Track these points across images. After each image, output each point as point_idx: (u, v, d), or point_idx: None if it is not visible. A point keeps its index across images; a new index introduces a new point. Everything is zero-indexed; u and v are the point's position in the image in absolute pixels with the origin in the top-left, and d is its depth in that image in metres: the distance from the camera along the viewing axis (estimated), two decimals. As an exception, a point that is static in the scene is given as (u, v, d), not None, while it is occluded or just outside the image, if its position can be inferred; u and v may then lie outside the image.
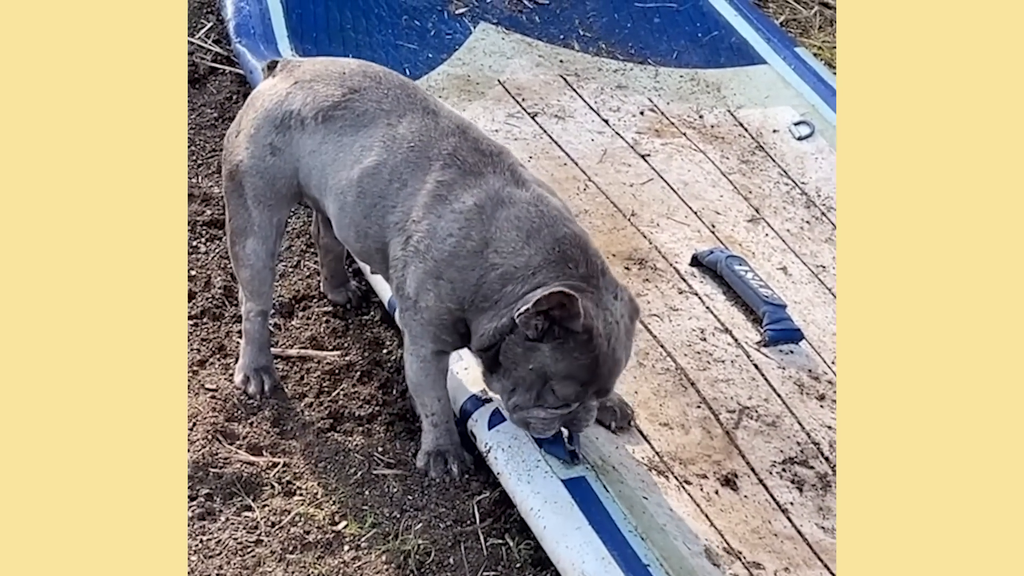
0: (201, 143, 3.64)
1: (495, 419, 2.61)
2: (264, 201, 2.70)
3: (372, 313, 3.10)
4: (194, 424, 2.72)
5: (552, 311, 2.30)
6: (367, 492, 2.62)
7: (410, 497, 2.60)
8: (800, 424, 2.84)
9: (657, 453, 2.69)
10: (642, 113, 3.90)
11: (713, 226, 3.44)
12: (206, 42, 4.03)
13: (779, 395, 2.91)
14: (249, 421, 2.78)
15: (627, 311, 2.42)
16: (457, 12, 4.27)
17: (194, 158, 3.58)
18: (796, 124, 3.85)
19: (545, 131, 3.77)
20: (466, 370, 2.74)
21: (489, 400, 2.67)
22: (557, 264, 2.37)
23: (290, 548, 2.50)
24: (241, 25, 3.82)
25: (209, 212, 3.37)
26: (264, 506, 2.58)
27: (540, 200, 2.45)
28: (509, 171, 2.49)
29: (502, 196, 2.44)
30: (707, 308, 3.14)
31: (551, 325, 2.32)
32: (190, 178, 3.49)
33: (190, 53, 3.97)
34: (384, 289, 2.93)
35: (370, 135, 2.57)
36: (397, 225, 2.50)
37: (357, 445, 2.73)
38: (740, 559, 2.47)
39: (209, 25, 4.10)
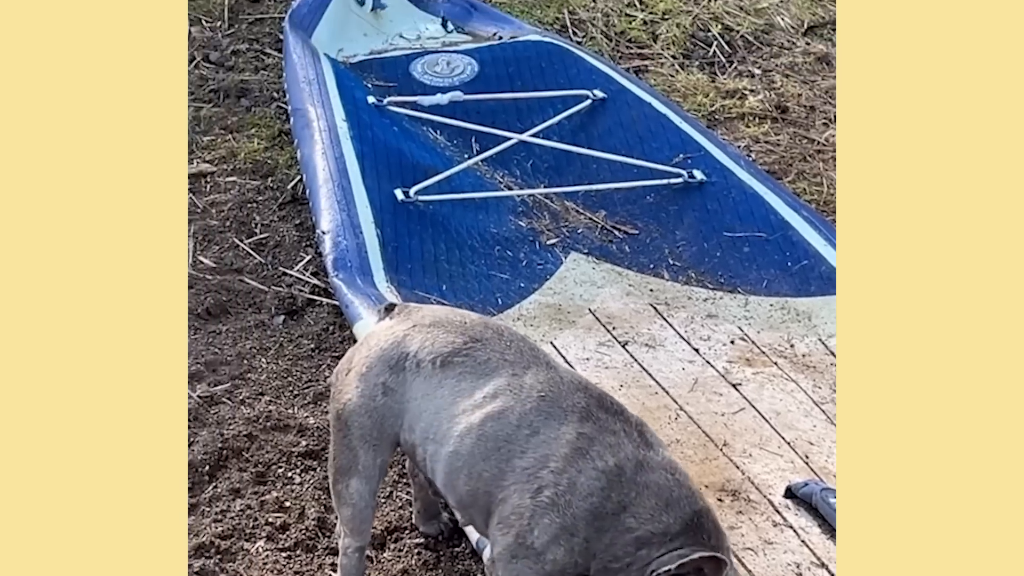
0: (298, 374, 3.71)
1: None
2: (370, 441, 2.73)
3: (463, 545, 3.09)
4: (285, 659, 2.71)
5: (690, 573, 2.38)
6: None
7: None
8: (901, 664, 2.76)
9: None
10: (732, 342, 3.92)
11: (807, 457, 3.41)
12: (304, 274, 4.14)
13: (879, 633, 2.84)
14: (340, 656, 2.76)
15: None
16: (549, 243, 4.35)
17: (291, 389, 3.64)
18: (888, 352, 3.84)
19: (636, 360, 3.79)
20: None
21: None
22: (695, 534, 2.44)
23: None
24: (339, 259, 3.93)
25: (304, 443, 3.41)
26: None
27: (673, 467, 2.53)
28: (637, 431, 2.57)
29: (639, 459, 2.51)
30: (802, 542, 3.09)
31: None
32: (286, 408, 3.55)
33: (288, 285, 4.08)
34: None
35: (493, 383, 2.63)
36: (527, 471, 2.53)
37: None
38: None
39: (308, 258, 4.22)
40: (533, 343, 2.77)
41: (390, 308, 2.89)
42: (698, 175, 4.56)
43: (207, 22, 5.54)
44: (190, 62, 5.25)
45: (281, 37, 5.33)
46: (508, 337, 2.73)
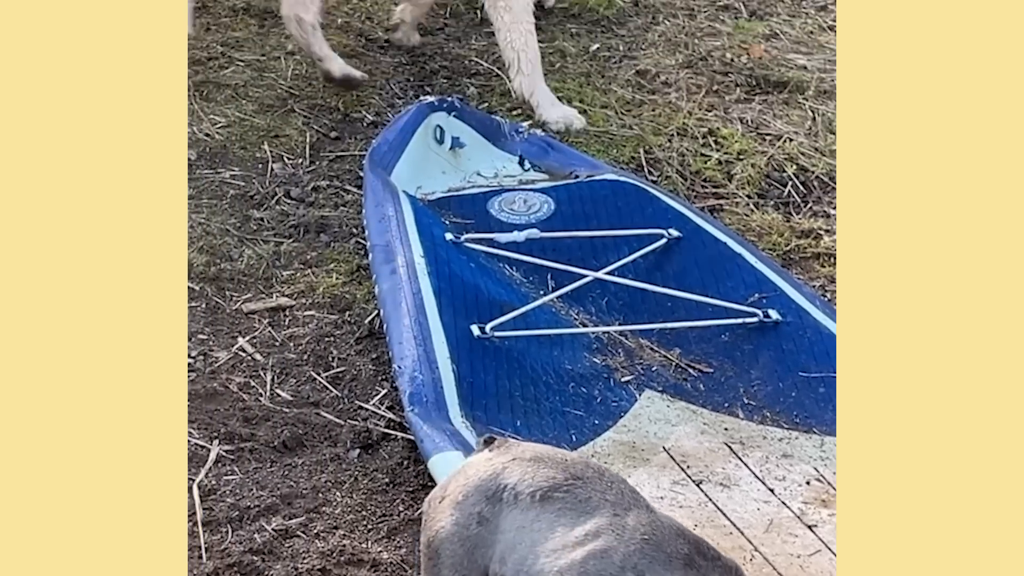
0: (372, 508, 3.72)
1: None
2: (460, 571, 2.74)
3: None
4: None
5: None
6: None
7: None
8: None
9: None
10: (808, 483, 3.88)
11: (884, 601, 3.36)
12: (380, 408, 4.18)
13: None
14: None
15: None
16: (623, 380, 4.36)
17: (365, 523, 3.66)
18: (967, 496, 3.78)
19: (710, 499, 3.77)
20: None
21: None
22: None
23: None
24: (414, 394, 3.95)
25: (377, 579, 3.42)
26: None
27: None
28: None
29: None
30: None
31: None
32: (360, 543, 3.56)
33: (364, 419, 4.12)
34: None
35: (595, 521, 2.65)
36: None
37: None
38: None
39: (383, 392, 4.25)
40: (632, 485, 2.78)
41: (489, 440, 2.92)
42: (773, 315, 4.56)
43: (289, 159, 5.67)
44: (271, 198, 5.36)
45: (361, 174, 5.44)
46: (608, 477, 2.75)
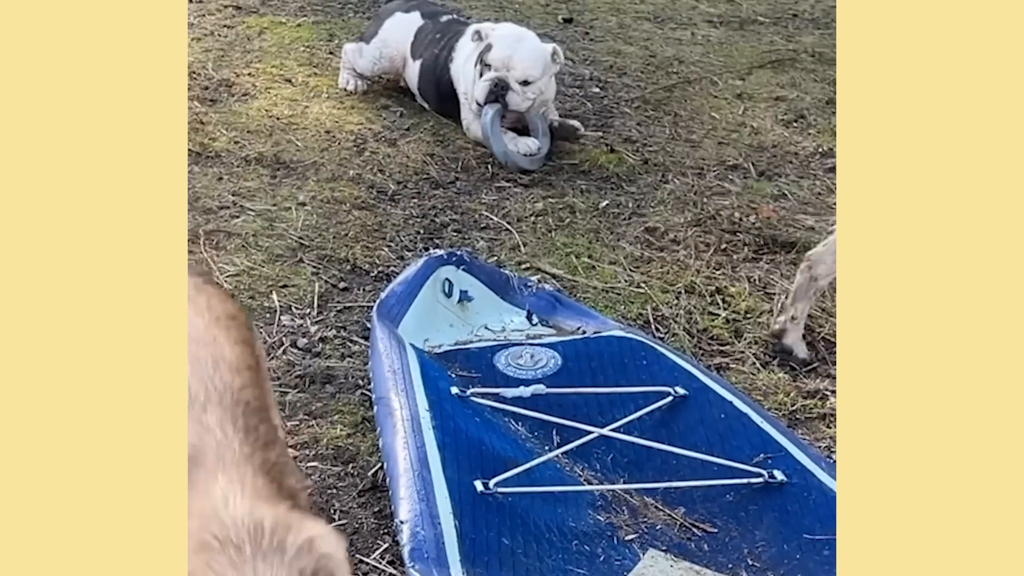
0: (369, 667, 3.67)
1: None
2: None
3: None
4: None
5: None
6: None
7: None
8: None
9: None
10: (813, 649, 3.83)
11: None
12: (381, 563, 4.13)
13: None
14: None
15: None
16: (627, 538, 4.32)
17: None
18: None
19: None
20: None
21: None
22: None
23: None
24: (415, 549, 3.92)
25: None
26: None
27: None
28: None
29: None
30: None
31: None
32: None
33: (364, 574, 4.07)
34: None
35: None
36: None
37: None
38: None
39: (384, 546, 4.21)
40: None
41: None
42: (778, 475, 4.54)
43: (297, 309, 5.70)
44: (278, 347, 5.38)
45: (368, 326, 5.46)
46: None
